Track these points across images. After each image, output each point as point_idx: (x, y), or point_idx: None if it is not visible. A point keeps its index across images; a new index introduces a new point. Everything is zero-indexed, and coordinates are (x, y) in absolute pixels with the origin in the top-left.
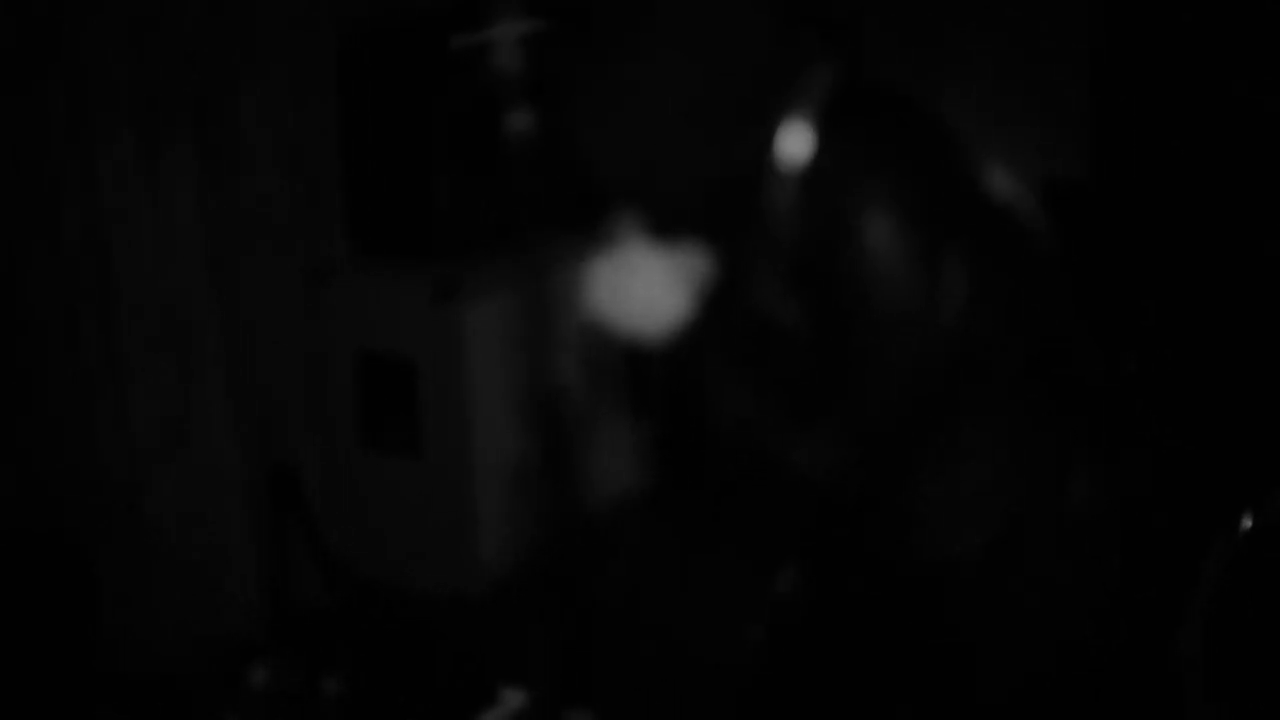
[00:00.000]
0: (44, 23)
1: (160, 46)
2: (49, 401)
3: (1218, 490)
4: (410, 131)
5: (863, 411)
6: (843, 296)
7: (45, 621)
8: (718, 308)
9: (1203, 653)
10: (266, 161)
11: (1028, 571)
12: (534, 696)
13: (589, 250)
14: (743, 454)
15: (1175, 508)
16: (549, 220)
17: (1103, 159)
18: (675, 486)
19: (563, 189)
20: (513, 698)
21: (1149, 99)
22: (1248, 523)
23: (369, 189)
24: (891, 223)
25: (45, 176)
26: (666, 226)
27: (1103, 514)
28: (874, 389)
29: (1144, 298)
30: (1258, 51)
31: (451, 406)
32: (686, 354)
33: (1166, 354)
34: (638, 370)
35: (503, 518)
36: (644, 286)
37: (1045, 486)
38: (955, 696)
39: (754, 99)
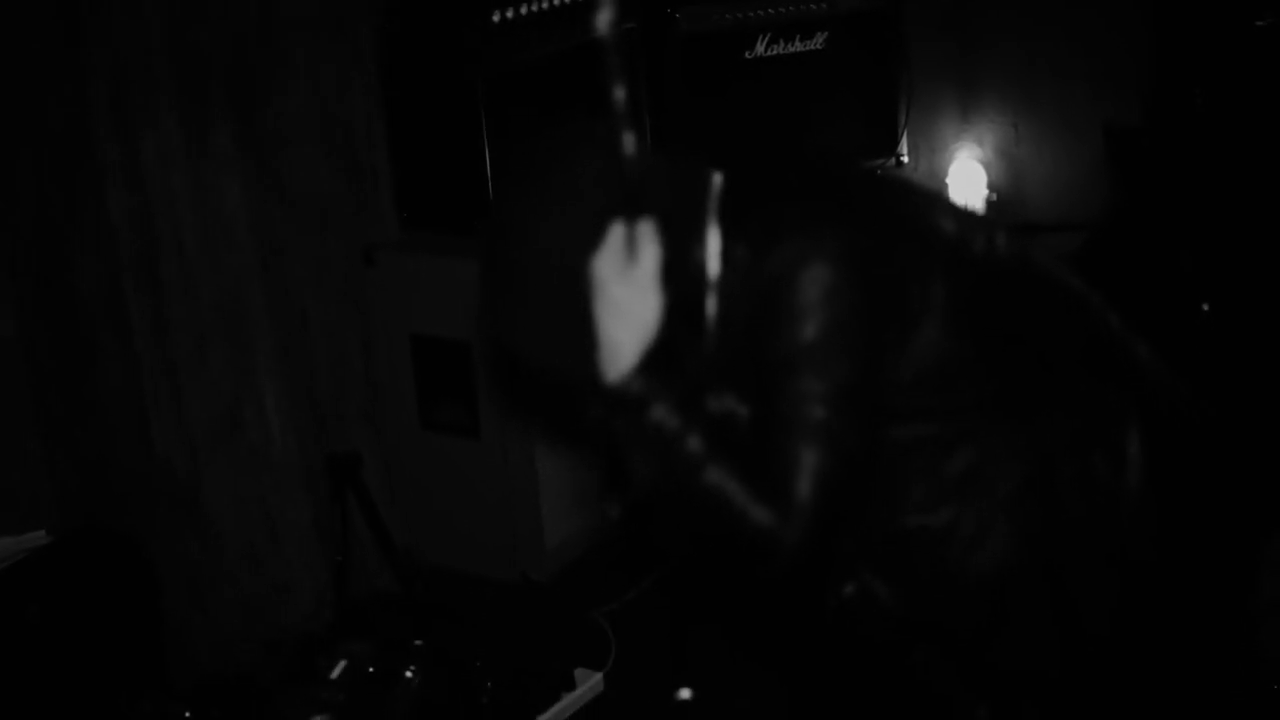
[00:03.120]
0: (84, 5)
1: (201, 27)
2: (102, 394)
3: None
4: (457, 105)
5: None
6: (784, 372)
7: (108, 621)
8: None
9: None
10: (312, 141)
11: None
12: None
13: None
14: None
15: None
16: None
17: (1161, 103)
18: None
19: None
20: (589, 681)
21: (1208, 40)
22: None
23: (416, 165)
24: (823, 284)
25: (88, 164)
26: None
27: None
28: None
29: (1213, 241)
30: None
31: None
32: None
33: (1238, 295)
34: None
35: (568, 498)
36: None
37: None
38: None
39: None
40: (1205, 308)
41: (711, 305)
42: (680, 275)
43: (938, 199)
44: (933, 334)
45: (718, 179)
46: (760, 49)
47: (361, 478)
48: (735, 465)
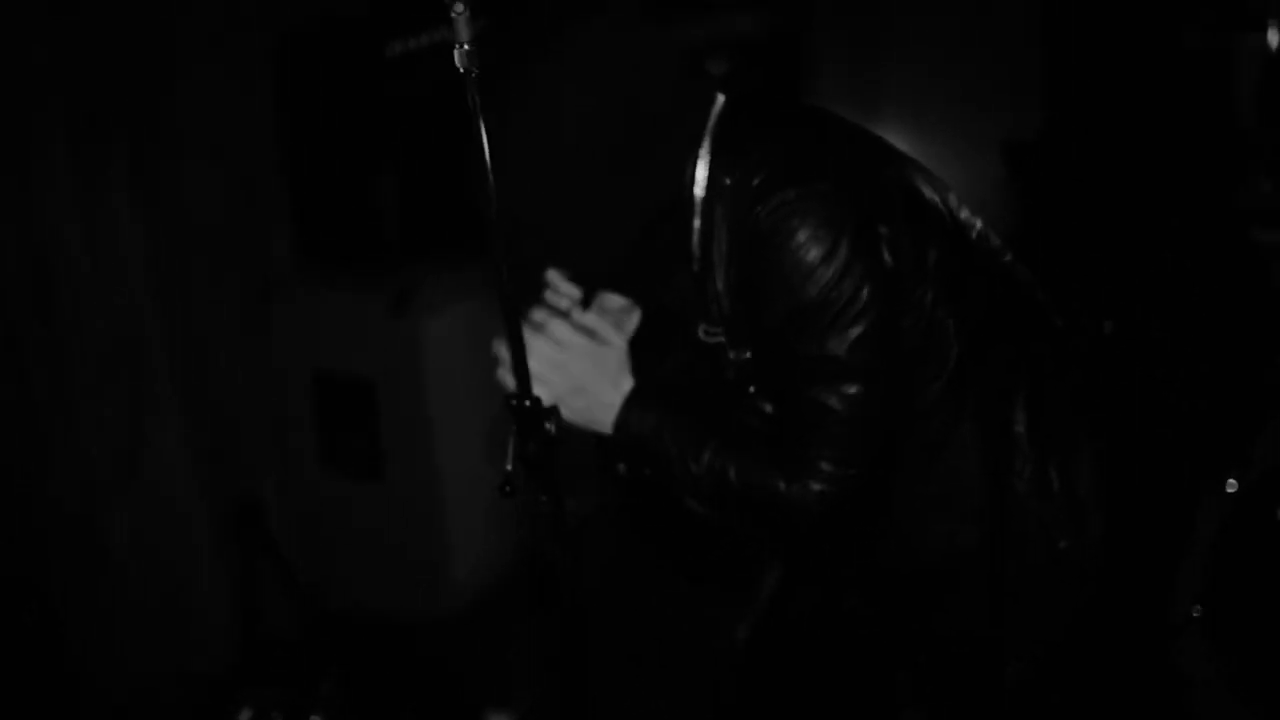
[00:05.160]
0: None
1: (90, 51)
2: None
3: (1195, 448)
4: (353, 135)
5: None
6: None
7: (9, 671)
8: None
9: (1200, 612)
10: (207, 173)
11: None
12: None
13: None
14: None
15: (1157, 470)
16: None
17: (1057, 118)
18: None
19: None
20: None
21: (1102, 55)
22: (1233, 482)
23: (314, 197)
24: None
25: None
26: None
27: (1090, 494)
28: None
29: (1112, 258)
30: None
31: (413, 425)
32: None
33: (1139, 313)
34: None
35: (474, 536)
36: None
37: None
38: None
39: (660, 133)
40: (1107, 327)
41: (696, 225)
42: (670, 185)
43: (915, 161)
44: (925, 302)
45: (721, 100)
46: None
47: (265, 524)
48: (753, 450)
